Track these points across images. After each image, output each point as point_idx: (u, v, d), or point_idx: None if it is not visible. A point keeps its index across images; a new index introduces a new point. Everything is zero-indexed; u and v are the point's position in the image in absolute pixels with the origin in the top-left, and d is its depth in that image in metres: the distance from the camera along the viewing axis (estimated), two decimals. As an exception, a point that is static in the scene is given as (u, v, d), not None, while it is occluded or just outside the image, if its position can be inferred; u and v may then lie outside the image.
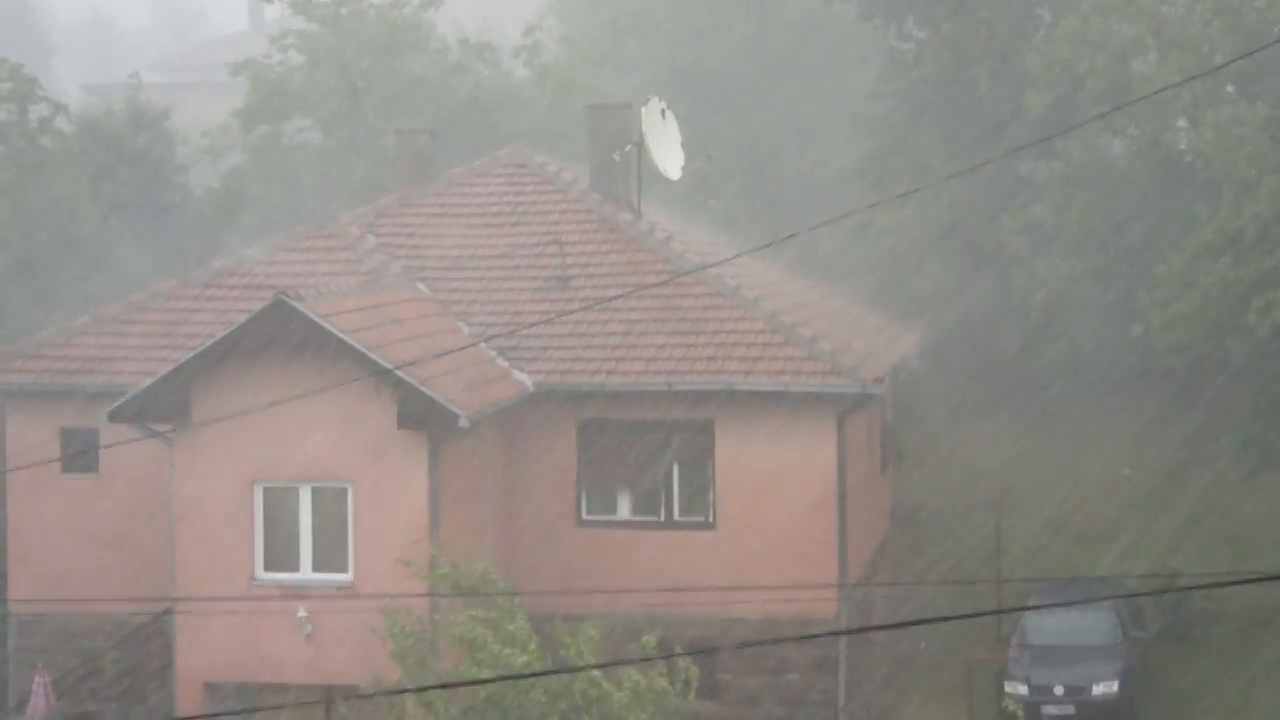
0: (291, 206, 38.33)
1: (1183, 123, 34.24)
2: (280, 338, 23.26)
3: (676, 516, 25.54)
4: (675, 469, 25.52)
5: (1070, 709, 24.83)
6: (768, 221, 37.22)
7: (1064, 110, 32.71)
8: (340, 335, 23.08)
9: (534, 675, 19.18)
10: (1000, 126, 34.51)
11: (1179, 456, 31.63)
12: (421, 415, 23.17)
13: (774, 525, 24.95)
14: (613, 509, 25.79)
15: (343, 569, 23.49)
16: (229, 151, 42.60)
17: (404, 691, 19.95)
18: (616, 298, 25.64)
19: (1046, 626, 25.63)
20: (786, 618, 24.31)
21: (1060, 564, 28.69)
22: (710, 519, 25.36)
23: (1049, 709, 24.81)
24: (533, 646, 20.30)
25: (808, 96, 43.57)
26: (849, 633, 24.66)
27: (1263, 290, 25.15)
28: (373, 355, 23.06)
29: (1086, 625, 25.45)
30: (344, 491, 23.50)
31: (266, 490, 23.64)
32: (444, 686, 19.75)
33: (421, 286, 27.31)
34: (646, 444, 25.54)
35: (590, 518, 25.74)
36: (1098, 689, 25.03)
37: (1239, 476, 29.54)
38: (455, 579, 21.13)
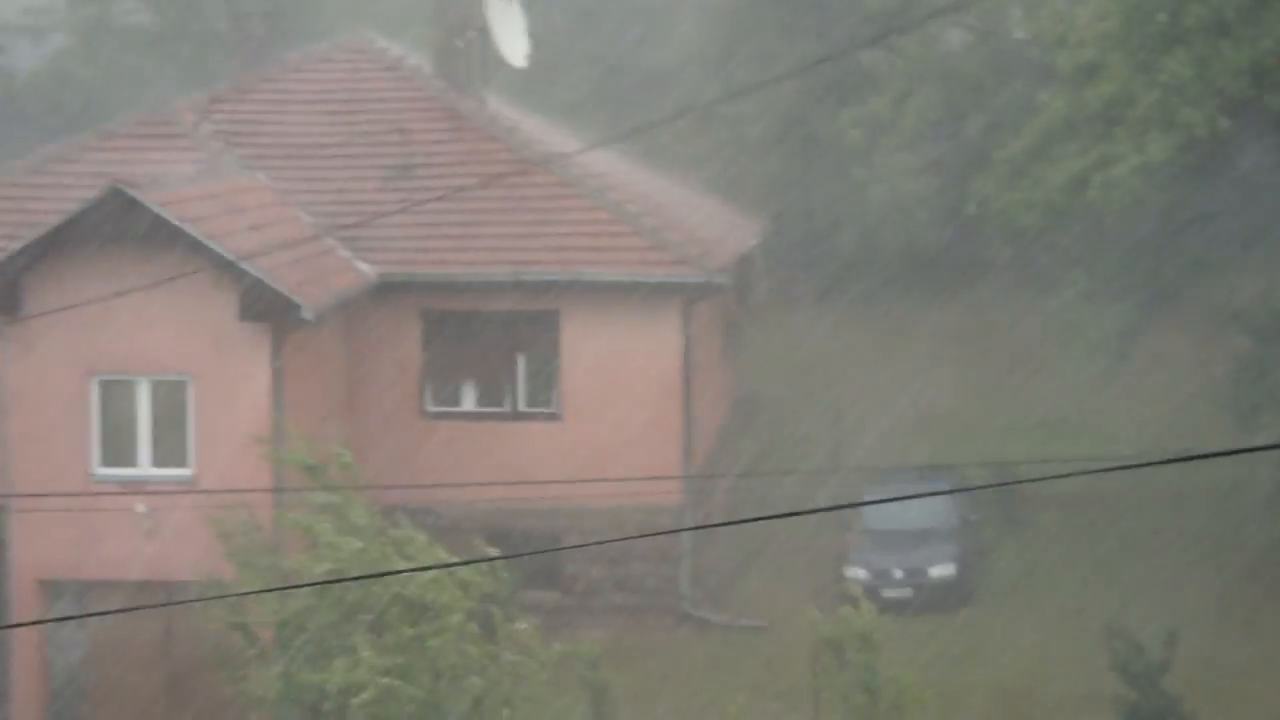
0: (122, 92, 37.28)
1: (1017, 11, 34.49)
2: (116, 227, 22.68)
3: (522, 407, 25.56)
4: (521, 360, 25.50)
5: (909, 591, 25.43)
6: (612, 111, 37.02)
7: (903, 2, 32.82)
8: (179, 224, 22.58)
9: (369, 576, 18.85)
10: (842, 17, 34.54)
11: (1013, 345, 32.30)
12: (263, 306, 22.81)
13: (619, 415, 25.07)
14: (458, 400, 25.73)
15: (183, 464, 23.15)
16: (53, 34, 41.24)
17: (242, 595, 19.64)
18: (462, 189, 25.40)
19: (884, 511, 26.10)
20: (631, 508, 24.49)
21: (897, 451, 29.20)
22: (556, 410, 25.41)
23: (889, 592, 25.36)
24: (372, 538, 19.94)
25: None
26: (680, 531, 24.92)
27: (1104, 168, 25.00)
28: (213, 245, 22.60)
29: (923, 509, 25.98)
30: (184, 384, 23.10)
31: (103, 383, 23.17)
32: (278, 589, 19.45)
33: (261, 176, 26.77)
34: (491, 335, 25.47)
35: (435, 409, 25.66)
36: (935, 571, 25.65)
37: (1068, 362, 30.25)
38: (304, 460, 20.61)
